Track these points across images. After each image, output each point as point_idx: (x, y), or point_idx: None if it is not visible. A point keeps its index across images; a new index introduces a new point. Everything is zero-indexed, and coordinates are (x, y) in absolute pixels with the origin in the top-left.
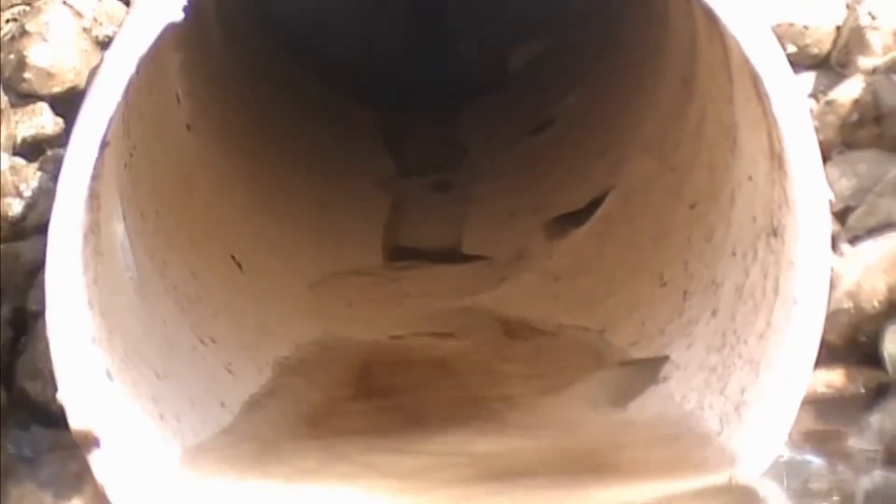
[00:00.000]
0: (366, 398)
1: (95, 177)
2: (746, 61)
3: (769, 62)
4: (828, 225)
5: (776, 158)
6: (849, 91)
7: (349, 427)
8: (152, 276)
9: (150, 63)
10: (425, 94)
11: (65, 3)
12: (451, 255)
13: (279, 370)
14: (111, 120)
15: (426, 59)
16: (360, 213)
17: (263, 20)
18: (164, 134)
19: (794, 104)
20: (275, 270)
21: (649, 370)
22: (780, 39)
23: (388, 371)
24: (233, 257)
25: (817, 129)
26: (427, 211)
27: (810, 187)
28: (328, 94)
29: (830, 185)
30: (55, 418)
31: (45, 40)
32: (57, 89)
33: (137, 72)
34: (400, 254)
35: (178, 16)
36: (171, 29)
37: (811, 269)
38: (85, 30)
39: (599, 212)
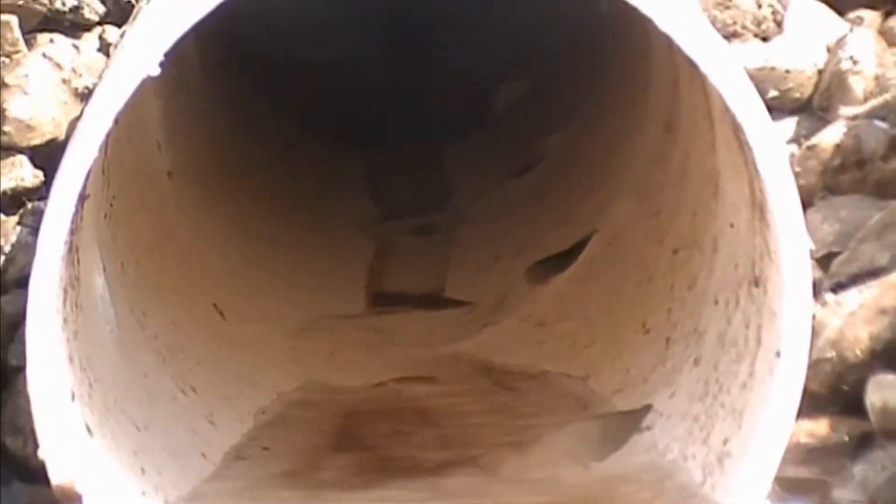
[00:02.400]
0: (347, 448)
1: (74, 230)
2: (727, 109)
3: (750, 114)
4: (809, 276)
5: (758, 208)
6: (831, 136)
7: (330, 478)
8: (133, 328)
9: (130, 111)
10: (407, 135)
11: (44, 55)
12: (435, 300)
13: (261, 420)
14: (90, 173)
15: (408, 99)
16: (343, 258)
17: (244, 63)
18: (144, 182)
19: (775, 156)
20: (257, 318)
21: (633, 419)
22: (762, 84)
23: (370, 420)
24: (214, 305)
25: (799, 174)
26: (410, 255)
27: (792, 239)
28: (309, 138)
29: (813, 230)
30: (36, 474)
31: (24, 92)
32: (36, 141)
33: (116, 122)
34: (383, 299)
35: (156, 70)
36: (150, 80)
37: (793, 320)
38: (64, 81)
39: (583, 256)
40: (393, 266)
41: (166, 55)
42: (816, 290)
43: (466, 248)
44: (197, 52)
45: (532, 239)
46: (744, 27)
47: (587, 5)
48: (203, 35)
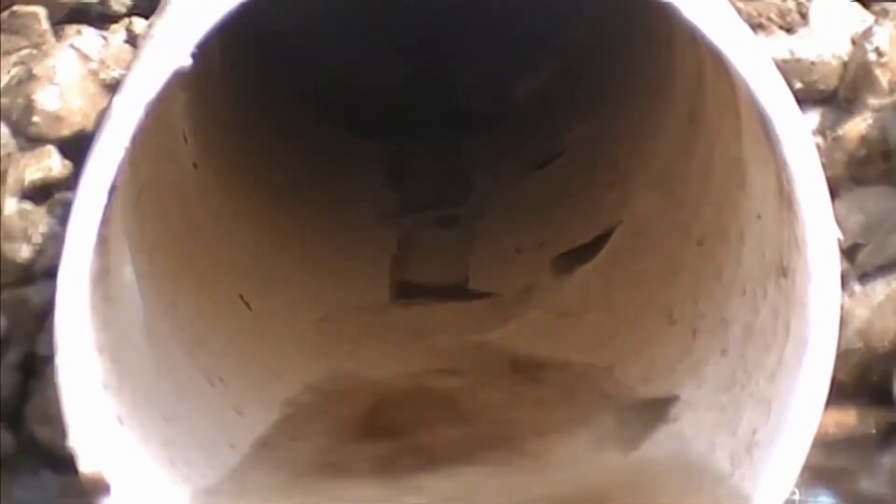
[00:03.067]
0: (374, 438)
1: (104, 222)
2: (754, 100)
3: (778, 104)
4: (837, 266)
5: (785, 199)
6: (856, 127)
7: (357, 467)
8: (161, 319)
9: (158, 104)
10: (429, 127)
11: (72, 46)
12: (458, 292)
13: (288, 410)
14: (120, 164)
15: (429, 91)
16: (366, 249)
17: (266, 56)
18: (171, 173)
19: (803, 146)
20: (282, 309)
21: (660, 410)
22: (787, 75)
23: (397, 410)
24: (241, 297)
25: (825, 166)
26: (433, 247)
27: (820, 229)
28: (331, 129)
29: (839, 221)
30: (65, 464)
31: (52, 84)
32: (65, 132)
33: (145, 115)
34: (406, 290)
35: (187, 62)
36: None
37: (821, 310)
38: (92, 72)
39: (606, 248)
40: (416, 257)
41: (197, 47)
42: (843, 281)
43: (489, 239)
44: (220, 44)
45: (555, 231)
46: (769, 19)
47: None
48: (226, 27)
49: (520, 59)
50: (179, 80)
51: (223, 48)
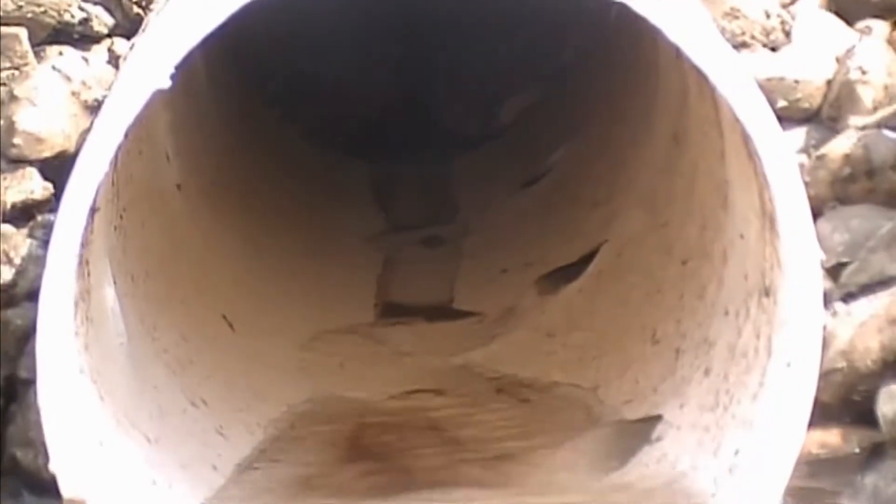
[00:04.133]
0: (357, 460)
1: (85, 244)
2: (736, 120)
3: (760, 124)
4: (819, 287)
5: (768, 218)
6: (840, 146)
7: (341, 490)
8: (143, 340)
9: (140, 124)
10: (415, 147)
11: (53, 67)
12: (443, 312)
13: (271, 432)
14: (100, 186)
15: (416, 111)
16: (352, 269)
17: (252, 76)
18: (154, 194)
19: (785, 166)
20: (266, 330)
21: (643, 430)
22: (771, 94)
23: (380, 432)
24: (224, 317)
25: (809, 185)
26: (418, 267)
27: (802, 249)
28: (317, 149)
29: (822, 240)
30: (47, 486)
31: (33, 105)
32: (46, 154)
33: (126, 136)
34: (392, 310)
35: (166, 83)
36: (160, 92)
37: (804, 331)
38: (74, 94)
39: (591, 267)
40: (401, 277)
41: (176, 68)
42: (826, 300)
43: (474, 259)
44: (205, 64)
45: (540, 250)
46: (753, 37)
47: (594, 18)
48: (211, 47)
49: (506, 80)
50: (162, 100)
51: (208, 67)
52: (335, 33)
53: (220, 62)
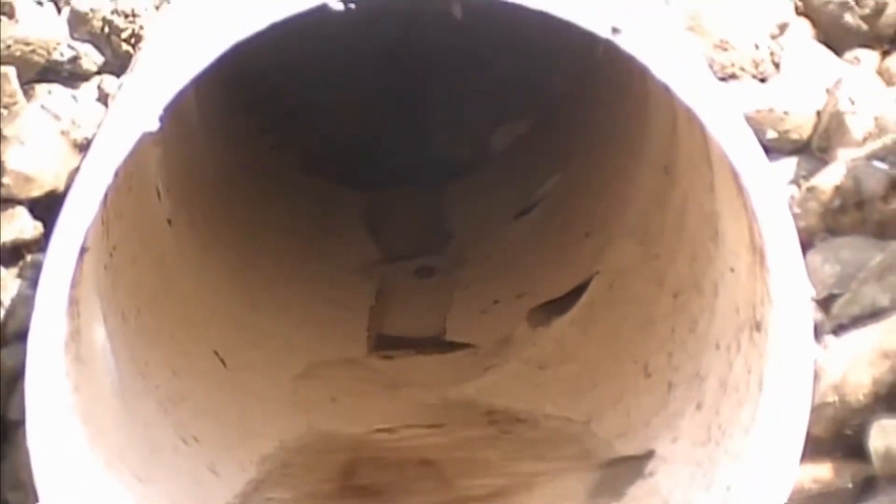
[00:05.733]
0: (351, 495)
1: (75, 284)
2: (725, 156)
3: (747, 159)
4: (810, 322)
5: (757, 252)
6: (830, 177)
7: None
8: (134, 378)
9: (129, 163)
10: (407, 177)
11: (42, 106)
12: (436, 343)
13: (263, 468)
14: (90, 226)
15: (407, 140)
16: (344, 301)
17: (242, 106)
18: (144, 230)
19: (774, 202)
20: (258, 365)
21: (636, 465)
22: (761, 125)
23: (373, 467)
24: (216, 353)
25: (799, 216)
26: (411, 298)
27: (792, 285)
28: (308, 179)
29: (813, 271)
30: None
31: (22, 144)
32: (36, 193)
33: (115, 176)
34: (384, 342)
35: (155, 126)
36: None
37: (795, 365)
38: (63, 132)
39: (583, 299)
40: (394, 309)
41: (165, 109)
42: (818, 332)
43: (467, 290)
44: (196, 96)
45: (532, 281)
46: (742, 69)
47: (585, 48)
48: (202, 79)
49: (497, 110)
50: (153, 137)
51: (199, 98)
52: (327, 63)
53: (211, 93)
